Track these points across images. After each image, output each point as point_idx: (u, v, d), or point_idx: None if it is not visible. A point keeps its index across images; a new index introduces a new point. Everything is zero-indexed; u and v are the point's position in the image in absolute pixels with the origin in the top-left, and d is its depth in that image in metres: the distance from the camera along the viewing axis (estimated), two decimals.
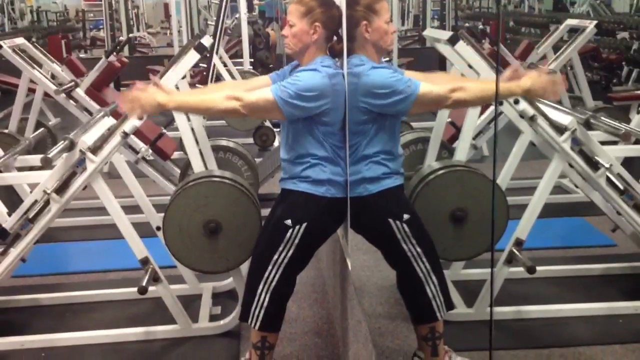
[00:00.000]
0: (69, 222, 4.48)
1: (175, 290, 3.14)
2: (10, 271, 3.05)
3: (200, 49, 2.97)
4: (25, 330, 3.16)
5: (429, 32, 3.51)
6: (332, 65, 2.45)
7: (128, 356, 2.95)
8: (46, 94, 4.91)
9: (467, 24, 9.90)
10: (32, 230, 2.89)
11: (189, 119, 3.20)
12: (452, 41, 2.87)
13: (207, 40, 3.05)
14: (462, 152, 3.01)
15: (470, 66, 2.96)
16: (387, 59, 7.60)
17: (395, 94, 2.36)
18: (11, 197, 3.39)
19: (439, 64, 8.03)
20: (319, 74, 2.38)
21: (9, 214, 2.96)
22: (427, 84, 2.38)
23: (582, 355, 2.75)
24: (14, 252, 2.91)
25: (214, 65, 5.93)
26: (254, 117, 2.35)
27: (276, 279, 2.48)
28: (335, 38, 2.54)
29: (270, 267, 2.47)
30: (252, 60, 8.27)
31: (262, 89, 2.42)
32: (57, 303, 3.44)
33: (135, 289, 2.84)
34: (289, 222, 2.45)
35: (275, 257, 2.46)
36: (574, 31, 5.11)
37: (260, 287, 2.49)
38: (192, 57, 2.98)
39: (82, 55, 11.34)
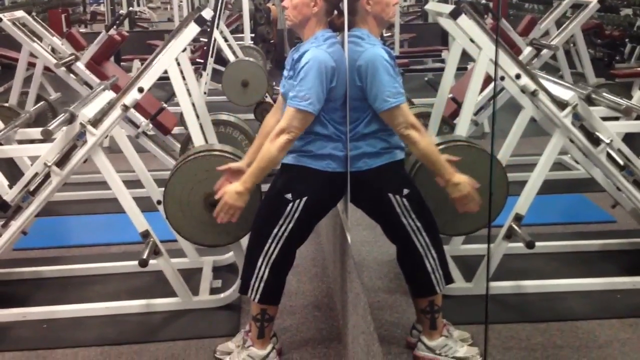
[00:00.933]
0: (71, 196, 4.51)
1: (176, 263, 3.16)
2: (12, 244, 3.07)
3: (200, 21, 2.95)
4: (27, 302, 3.18)
5: (431, 6, 3.48)
6: (333, 38, 2.44)
7: (129, 328, 2.98)
8: (47, 68, 4.89)
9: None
10: (33, 203, 2.90)
11: (189, 94, 3.20)
12: (454, 15, 2.85)
13: (207, 13, 3.03)
14: (462, 127, 3.00)
15: (472, 40, 2.94)
16: (389, 33, 7.58)
17: (381, 94, 2.36)
18: (12, 169, 3.40)
19: (442, 39, 8.01)
20: (319, 60, 2.35)
21: (10, 187, 2.97)
22: (406, 107, 2.39)
23: (579, 330, 2.77)
24: (15, 225, 2.92)
25: (215, 40, 5.92)
26: (302, 130, 2.39)
27: (276, 252, 2.49)
28: (335, 12, 2.52)
29: (270, 241, 2.49)
30: (253, 35, 8.22)
31: (287, 108, 2.41)
32: (59, 275, 3.47)
33: (136, 262, 2.86)
34: (289, 196, 2.46)
35: (275, 230, 2.47)
36: (577, 7, 5.07)
37: (260, 260, 2.51)
38: (193, 29, 2.95)
39: (82, 29, 11.26)
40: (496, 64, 2.82)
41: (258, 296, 2.54)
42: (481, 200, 2.44)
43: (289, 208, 2.46)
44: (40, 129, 2.75)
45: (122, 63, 8.05)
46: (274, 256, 2.50)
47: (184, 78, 3.13)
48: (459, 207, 2.48)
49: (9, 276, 3.44)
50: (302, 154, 2.48)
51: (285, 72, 2.52)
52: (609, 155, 2.90)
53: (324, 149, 2.46)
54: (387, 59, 2.38)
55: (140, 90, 2.90)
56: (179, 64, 3.07)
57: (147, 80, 2.92)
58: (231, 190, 2.44)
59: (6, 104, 4.78)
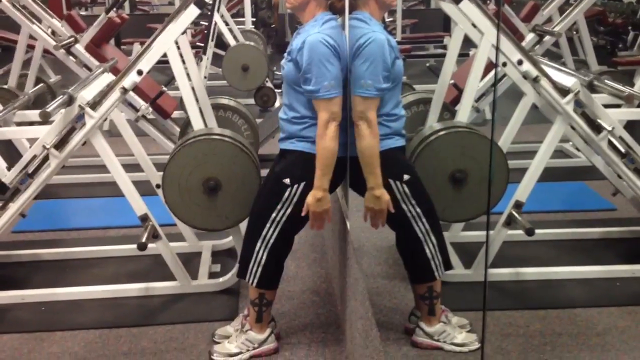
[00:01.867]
0: (70, 179, 4.50)
1: (175, 247, 3.16)
2: (11, 226, 3.06)
3: (200, 3, 2.91)
4: (25, 284, 3.18)
5: None
6: (333, 20, 2.42)
7: (127, 311, 2.98)
8: (47, 51, 4.87)
9: None
10: (32, 185, 2.89)
11: (189, 78, 3.18)
12: None
13: None
14: (463, 113, 2.99)
15: (474, 25, 2.91)
16: (391, 19, 7.53)
17: (364, 78, 2.33)
18: (10, 152, 3.38)
19: (444, 25, 7.97)
20: (321, 43, 2.32)
21: (9, 169, 2.96)
22: (377, 103, 2.37)
23: (578, 317, 2.77)
24: (14, 207, 2.92)
25: (215, 23, 5.88)
26: (340, 117, 2.38)
27: (274, 236, 2.49)
28: None
29: (268, 225, 2.48)
30: (254, 19, 8.18)
31: (316, 103, 2.38)
32: (58, 258, 3.47)
33: (135, 246, 2.85)
34: (287, 181, 2.45)
35: (274, 215, 2.47)
36: None
37: (258, 244, 2.50)
38: (192, 12, 2.92)
39: (82, 12, 11.20)
40: (498, 49, 2.80)
41: (256, 280, 2.54)
42: (384, 222, 2.46)
43: (287, 193, 2.45)
44: (38, 111, 2.73)
45: (122, 46, 8.02)
46: (272, 241, 2.49)
47: (184, 62, 3.11)
48: (366, 216, 2.48)
49: (7, 258, 3.44)
50: (300, 139, 2.46)
51: (285, 54, 2.50)
52: (610, 143, 2.89)
53: None
54: (386, 48, 2.35)
55: (139, 72, 2.88)
56: (178, 47, 3.05)
57: (146, 63, 2.89)
58: (312, 201, 2.41)
59: (5, 86, 4.76)
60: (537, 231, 2.84)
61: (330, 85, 2.33)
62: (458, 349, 2.56)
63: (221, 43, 6.27)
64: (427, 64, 7.20)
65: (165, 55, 2.95)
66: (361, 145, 2.38)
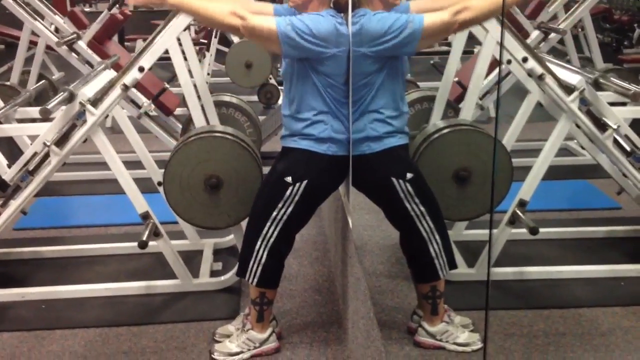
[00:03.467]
0: (71, 176, 4.50)
1: (176, 245, 3.14)
2: (11, 223, 3.05)
3: None
4: (26, 282, 3.17)
5: None
6: (337, 17, 2.40)
7: (128, 309, 2.96)
8: (50, 48, 4.85)
9: None
10: (32, 183, 2.88)
11: (191, 75, 3.16)
12: None
13: None
14: (467, 111, 2.97)
15: None
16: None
17: (396, 38, 2.31)
18: (11, 149, 3.37)
19: None
20: (326, 19, 2.34)
21: (9, 166, 2.94)
22: (430, 15, 2.32)
23: (582, 317, 2.74)
24: (14, 204, 2.91)
25: None
26: (251, 40, 2.37)
27: (274, 235, 2.47)
28: None
29: (269, 224, 2.46)
30: None
31: (268, 17, 2.37)
32: (59, 256, 3.46)
33: (136, 244, 2.84)
34: (289, 179, 2.43)
35: (275, 213, 2.45)
36: None
37: (259, 243, 2.48)
38: None
39: (87, 8, 11.20)
40: (502, 47, 2.78)
41: (256, 280, 2.52)
42: None
43: (288, 191, 2.43)
44: (39, 108, 2.72)
45: (125, 43, 8.01)
46: (272, 240, 2.47)
47: (186, 58, 3.09)
48: None
49: (8, 256, 3.43)
50: (302, 137, 2.44)
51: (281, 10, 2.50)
52: (615, 141, 2.86)
53: (324, 132, 2.42)
54: (384, 14, 2.33)
55: (141, 69, 2.86)
56: (180, 44, 3.03)
57: (148, 60, 2.88)
58: None
59: (7, 83, 4.75)
60: (541, 230, 2.82)
61: (287, 30, 2.28)
62: (461, 348, 2.53)
63: (224, 40, 6.25)
64: (431, 62, 7.17)
65: (167, 51, 2.93)
66: (482, 18, 2.41)
